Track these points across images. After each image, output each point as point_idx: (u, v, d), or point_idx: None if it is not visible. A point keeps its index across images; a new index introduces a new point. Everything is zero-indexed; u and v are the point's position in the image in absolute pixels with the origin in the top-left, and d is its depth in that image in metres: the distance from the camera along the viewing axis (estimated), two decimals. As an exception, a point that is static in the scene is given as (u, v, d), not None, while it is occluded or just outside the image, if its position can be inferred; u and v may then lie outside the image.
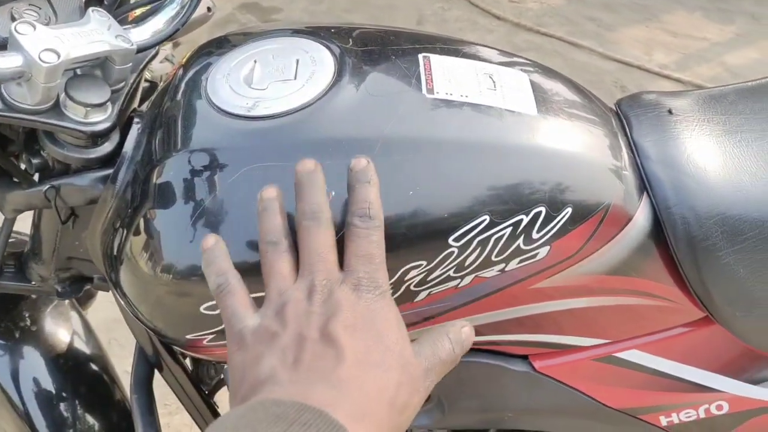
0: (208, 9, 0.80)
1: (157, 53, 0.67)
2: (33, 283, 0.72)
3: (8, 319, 0.82)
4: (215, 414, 0.81)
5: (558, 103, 0.61)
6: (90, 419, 0.84)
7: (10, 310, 0.82)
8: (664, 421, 0.71)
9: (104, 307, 1.05)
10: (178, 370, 0.75)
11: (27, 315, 0.83)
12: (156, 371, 0.75)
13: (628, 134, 0.64)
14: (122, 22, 0.61)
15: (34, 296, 0.85)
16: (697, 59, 2.48)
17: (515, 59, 0.65)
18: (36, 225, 0.69)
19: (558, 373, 0.68)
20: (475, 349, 0.65)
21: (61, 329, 0.85)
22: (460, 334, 0.49)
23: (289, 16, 2.82)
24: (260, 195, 0.50)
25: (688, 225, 0.60)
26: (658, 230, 0.61)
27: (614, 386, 0.69)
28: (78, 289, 0.72)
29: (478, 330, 0.62)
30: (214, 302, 0.53)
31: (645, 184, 0.61)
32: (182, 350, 0.67)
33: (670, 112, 0.66)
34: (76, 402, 0.84)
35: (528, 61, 0.65)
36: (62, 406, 0.83)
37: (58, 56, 0.53)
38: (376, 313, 0.46)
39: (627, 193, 0.59)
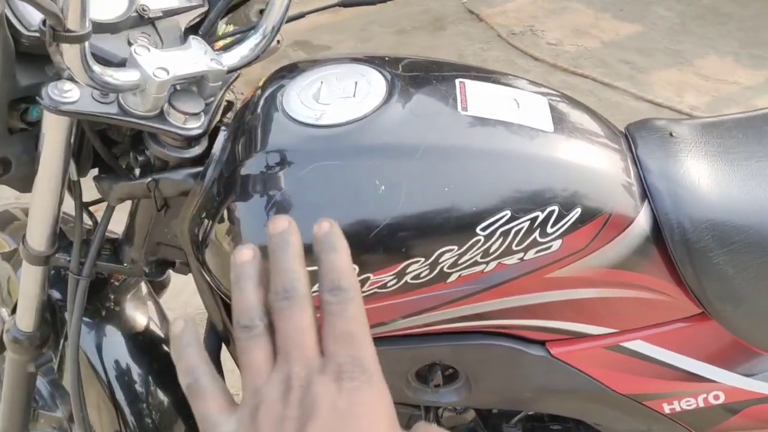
0: (278, 41, 0.95)
1: (239, 75, 0.81)
2: (125, 265, 0.86)
3: (96, 300, 0.95)
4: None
5: (571, 123, 0.72)
6: (161, 394, 0.96)
7: (97, 292, 0.95)
8: (666, 408, 0.80)
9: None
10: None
11: (112, 297, 0.96)
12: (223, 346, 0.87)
13: (634, 152, 0.75)
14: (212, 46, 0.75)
15: (116, 283, 0.99)
16: (727, 101, 2.56)
17: (539, 87, 0.77)
18: (132, 213, 0.82)
19: (572, 359, 0.77)
20: (497, 333, 0.76)
21: (139, 312, 0.98)
22: None
23: (336, 53, 2.99)
24: (233, 258, 0.44)
25: (683, 229, 0.70)
26: (657, 233, 0.71)
27: (622, 373, 0.78)
28: (162, 271, 0.85)
29: (501, 314, 0.73)
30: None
31: (646, 193, 0.72)
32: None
33: (671, 134, 0.76)
34: (150, 378, 0.96)
35: (548, 89, 0.77)
36: (138, 380, 0.95)
37: (168, 73, 0.67)
38: (363, 408, 0.40)
39: (629, 199, 0.70)
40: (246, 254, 0.44)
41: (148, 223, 0.80)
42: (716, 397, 0.79)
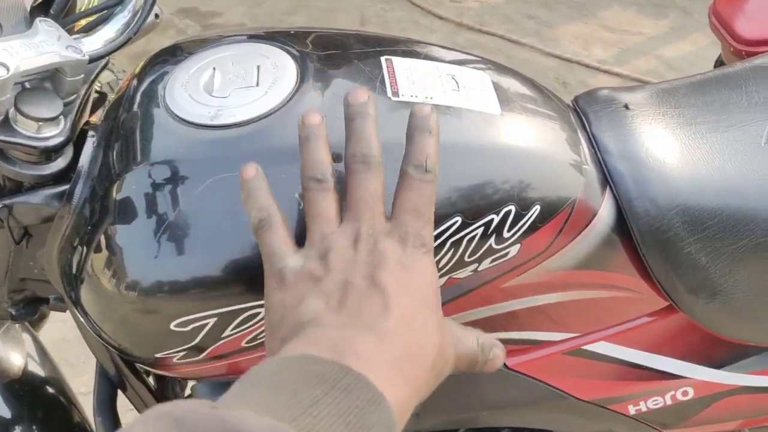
0: (156, 16, 0.77)
1: (107, 63, 0.65)
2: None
3: (-44, 347, 0.78)
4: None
5: (519, 102, 0.61)
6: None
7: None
8: (632, 410, 0.73)
9: (53, 327, 1.01)
10: (142, 388, 0.73)
11: (-24, 343, 0.79)
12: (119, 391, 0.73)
13: (588, 130, 0.65)
14: (69, 32, 0.59)
15: (-19, 321, 0.81)
16: (635, 53, 2.55)
17: (475, 59, 0.65)
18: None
19: (530, 369, 0.68)
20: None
21: (14, 353, 0.81)
22: (490, 347, 0.49)
23: (229, 21, 2.78)
24: (302, 120, 0.47)
25: (651, 217, 0.61)
26: (621, 223, 0.62)
27: (584, 378, 0.70)
28: (33, 311, 0.69)
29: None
30: (186, 318, 0.52)
31: (607, 178, 0.62)
32: (147, 368, 0.65)
33: (626, 107, 0.67)
34: (34, 427, 0.80)
35: (487, 61, 0.65)
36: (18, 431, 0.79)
37: (8, 70, 0.51)
38: (421, 271, 0.44)
39: (591, 188, 0.60)
40: (315, 118, 0.47)
41: (6, 258, 0.64)
42: (685, 393, 0.72)
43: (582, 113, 0.67)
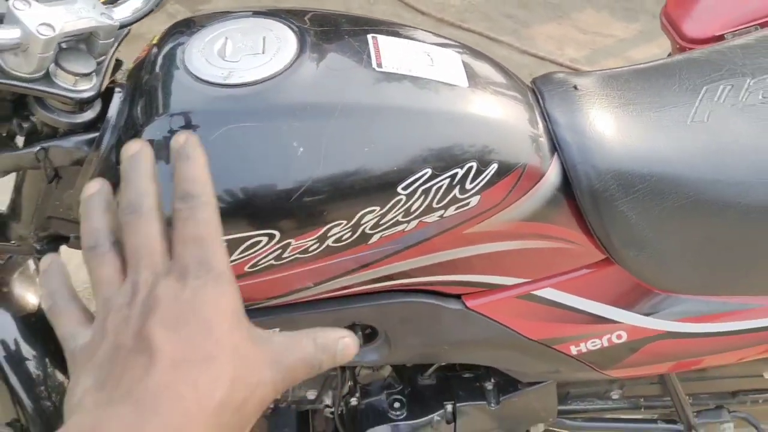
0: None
1: (129, 31, 0.74)
2: (12, 242, 0.78)
3: (-20, 281, 0.87)
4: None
5: (485, 79, 0.72)
6: (60, 376, 0.90)
7: (-19, 274, 0.87)
8: (574, 350, 0.84)
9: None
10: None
11: (-3, 278, 0.88)
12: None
13: (542, 106, 0.76)
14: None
15: (1, 262, 0.90)
16: (605, 54, 2.68)
17: (449, 41, 0.76)
18: (18, 187, 0.75)
19: (487, 310, 0.79)
20: (415, 290, 0.76)
21: (29, 292, 0.90)
22: (333, 342, 0.43)
23: (217, 6, 2.86)
24: (81, 195, 0.46)
25: (590, 179, 0.72)
26: (566, 184, 0.73)
27: (533, 320, 0.81)
28: (55, 247, 0.79)
29: (421, 272, 0.73)
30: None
31: (556, 146, 0.73)
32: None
33: (575, 87, 0.78)
34: (46, 360, 0.89)
35: (459, 44, 0.76)
36: (33, 363, 0.88)
37: (54, 30, 0.60)
38: (205, 300, 0.40)
39: (541, 153, 0.72)
40: (93, 187, 0.46)
41: (37, 196, 0.73)
42: (619, 337, 0.83)
43: (538, 92, 0.78)
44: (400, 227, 0.67)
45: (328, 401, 0.98)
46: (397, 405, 0.95)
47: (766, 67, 0.81)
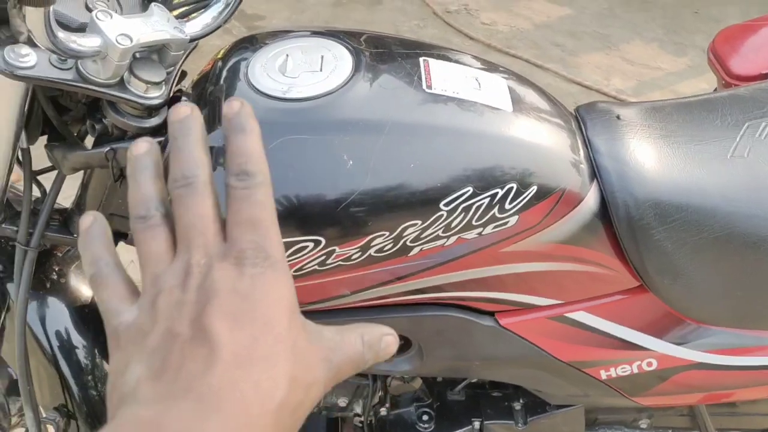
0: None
1: (197, 44, 0.79)
2: (75, 236, 0.83)
3: (40, 272, 0.92)
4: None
5: (529, 104, 0.75)
6: (107, 366, 0.95)
7: (41, 264, 0.92)
8: (603, 374, 0.86)
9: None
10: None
11: (56, 269, 0.94)
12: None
13: (584, 133, 0.79)
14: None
15: (60, 254, 0.96)
16: (651, 86, 2.69)
17: (497, 67, 0.79)
18: (85, 184, 0.80)
19: (519, 329, 0.82)
20: (450, 304, 0.79)
21: (84, 284, 0.96)
22: (378, 340, 0.42)
23: (271, 24, 2.95)
24: (128, 152, 0.42)
25: (628, 207, 0.75)
26: (604, 210, 0.75)
27: (564, 342, 0.83)
28: (114, 243, 0.83)
29: (456, 286, 0.76)
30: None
31: (596, 173, 0.76)
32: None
33: (618, 117, 0.81)
34: (95, 350, 0.94)
35: (506, 70, 0.80)
36: (83, 352, 0.93)
37: (131, 40, 0.65)
38: (264, 291, 0.38)
39: (580, 179, 0.74)
40: (142, 147, 0.42)
41: (102, 194, 0.79)
42: (649, 364, 0.85)
43: (581, 119, 0.81)
44: (439, 242, 0.70)
45: (358, 410, 1.00)
46: (425, 418, 0.97)
47: (809, 106, 0.82)
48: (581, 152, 0.76)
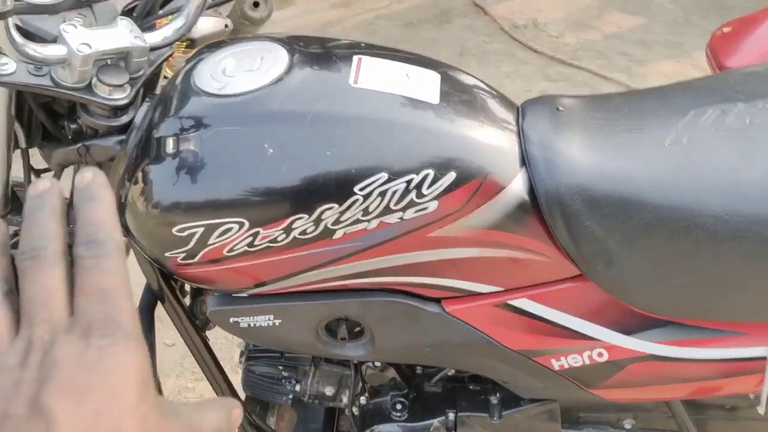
0: (226, 26, 1.03)
1: (171, 54, 0.89)
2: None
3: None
4: (207, 346, 1.00)
5: (460, 96, 0.79)
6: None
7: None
8: (555, 364, 0.86)
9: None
10: (176, 304, 0.95)
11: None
12: (159, 303, 0.96)
13: (520, 123, 0.81)
14: (151, 28, 0.84)
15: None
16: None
17: (435, 63, 0.83)
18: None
19: (465, 316, 0.84)
20: (398, 291, 0.83)
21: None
22: (229, 413, 0.41)
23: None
24: (28, 191, 0.41)
25: (556, 194, 0.76)
26: (533, 198, 0.77)
27: (511, 330, 0.85)
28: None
29: (394, 271, 0.80)
30: (183, 225, 0.74)
31: (525, 160, 0.78)
32: (172, 275, 0.88)
33: (558, 108, 0.82)
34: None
35: (447, 65, 0.84)
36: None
37: (90, 48, 0.76)
38: (113, 362, 0.36)
39: (504, 166, 0.76)
40: (41, 186, 0.40)
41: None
42: (600, 355, 0.85)
43: (521, 111, 0.83)
44: (361, 225, 0.74)
45: (345, 399, 1.05)
46: (399, 407, 1.00)
47: (762, 93, 0.80)
48: (510, 142, 0.78)
